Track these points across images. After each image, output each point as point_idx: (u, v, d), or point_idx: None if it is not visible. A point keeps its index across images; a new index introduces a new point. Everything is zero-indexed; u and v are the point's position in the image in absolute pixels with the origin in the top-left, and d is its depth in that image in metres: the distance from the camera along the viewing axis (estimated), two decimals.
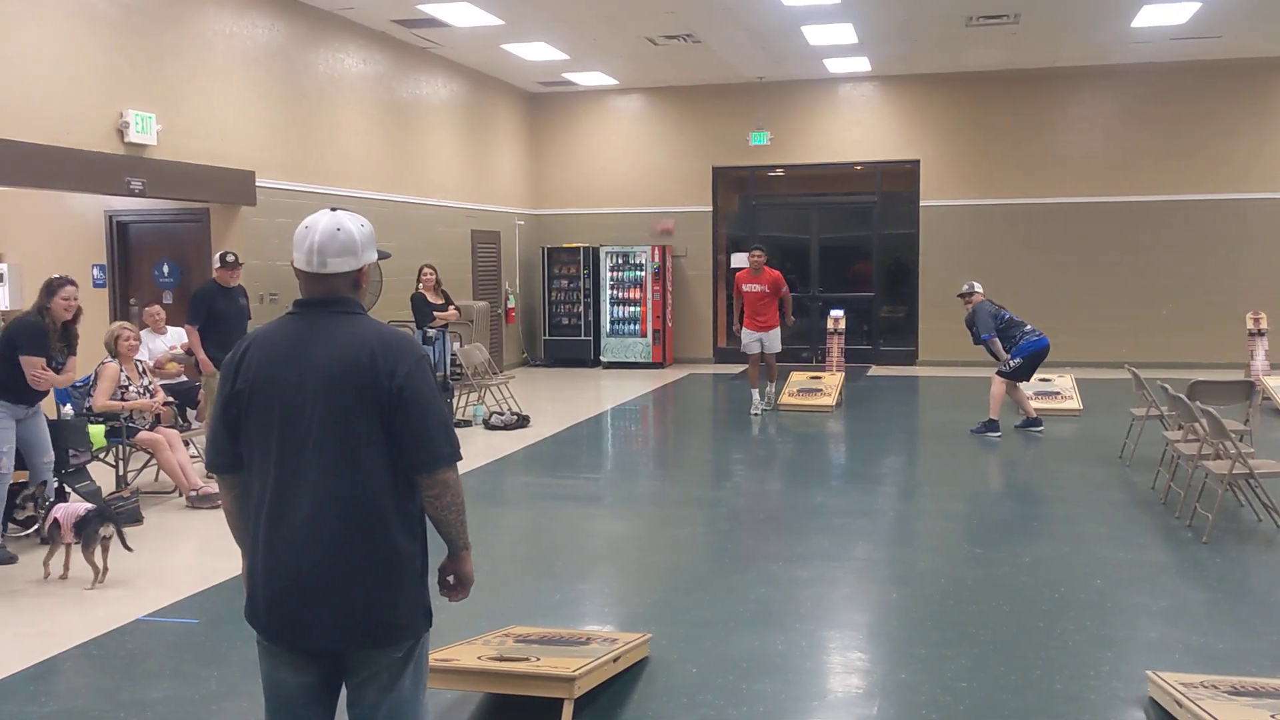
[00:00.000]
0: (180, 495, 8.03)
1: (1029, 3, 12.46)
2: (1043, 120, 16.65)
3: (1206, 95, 16.04)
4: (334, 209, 2.79)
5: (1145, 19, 13.12)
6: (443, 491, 2.71)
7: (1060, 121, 16.62)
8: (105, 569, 6.02)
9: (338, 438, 2.64)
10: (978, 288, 11.39)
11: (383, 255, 2.91)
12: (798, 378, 13.34)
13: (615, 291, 17.72)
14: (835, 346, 14.85)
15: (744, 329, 12.40)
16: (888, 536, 7.31)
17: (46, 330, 6.66)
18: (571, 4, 12.35)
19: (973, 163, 16.94)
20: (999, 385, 10.95)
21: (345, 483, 2.64)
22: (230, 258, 9.41)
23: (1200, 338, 15.99)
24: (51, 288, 6.75)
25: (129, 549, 6.14)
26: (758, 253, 12.36)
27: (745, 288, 12.33)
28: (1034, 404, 12.07)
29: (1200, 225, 16.17)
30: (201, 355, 9.20)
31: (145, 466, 8.27)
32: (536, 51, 14.75)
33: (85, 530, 5.96)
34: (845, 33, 13.83)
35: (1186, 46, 14.76)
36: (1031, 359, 10.81)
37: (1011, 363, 10.80)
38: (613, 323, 17.77)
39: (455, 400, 11.90)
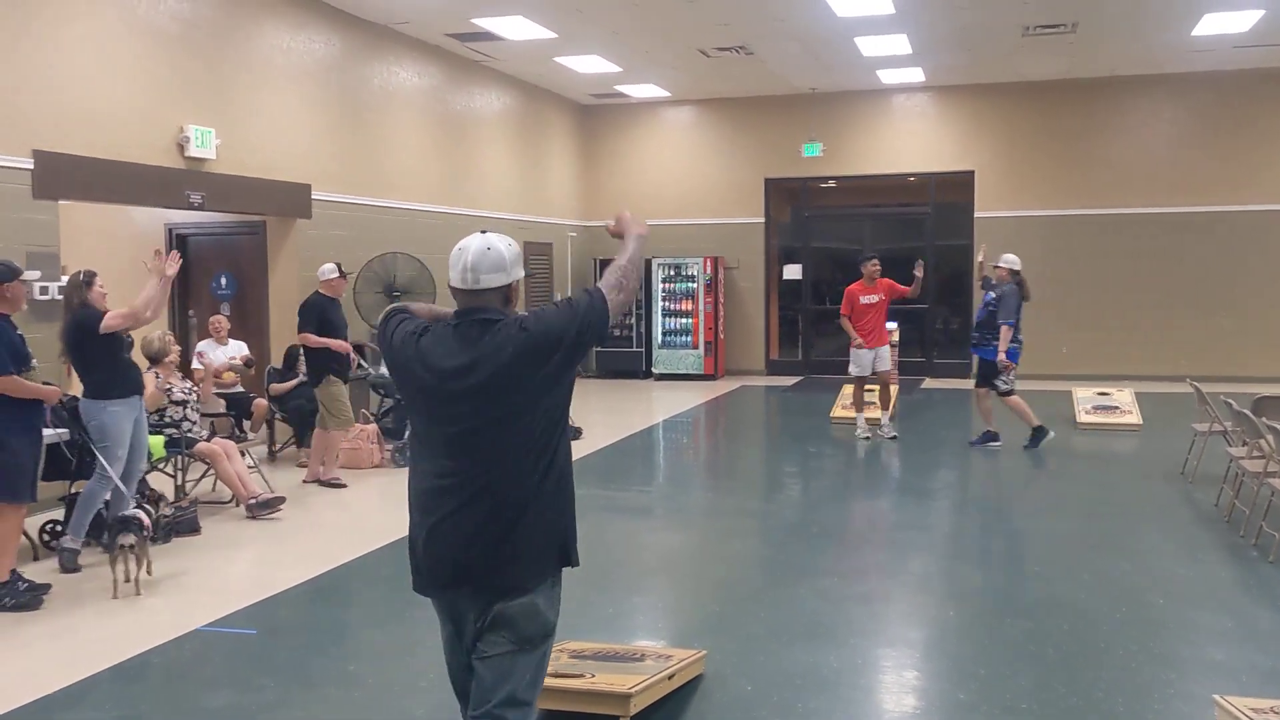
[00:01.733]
0: (238, 505, 8.12)
1: (1087, 12, 12.31)
2: (1101, 130, 16.43)
3: (1270, 103, 15.74)
4: (484, 231, 2.98)
5: (1206, 27, 12.90)
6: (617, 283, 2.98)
7: (1119, 131, 16.39)
8: (136, 578, 6.07)
9: (486, 439, 2.83)
10: (1006, 264, 10.63)
11: (526, 274, 3.04)
12: (850, 390, 13.19)
13: (667, 303, 17.71)
14: (887, 361, 14.68)
15: (855, 349, 11.34)
16: (943, 551, 7.22)
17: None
18: (624, 17, 12.38)
19: (1029, 173, 16.74)
20: (1015, 400, 10.62)
21: (495, 485, 2.85)
22: (343, 268, 9.60)
23: (1264, 350, 15.66)
24: (90, 280, 6.73)
25: (147, 560, 6.19)
26: (875, 263, 11.35)
27: (863, 299, 11.28)
28: (1092, 419, 11.90)
29: (1264, 236, 15.84)
30: (335, 343, 9.21)
31: (203, 477, 8.37)
32: (589, 64, 14.81)
33: (108, 538, 6.04)
34: (899, 44, 13.75)
35: (1249, 54, 14.49)
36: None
37: (1011, 379, 10.51)
38: (664, 334, 17.76)
39: None
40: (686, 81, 16.35)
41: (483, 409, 2.80)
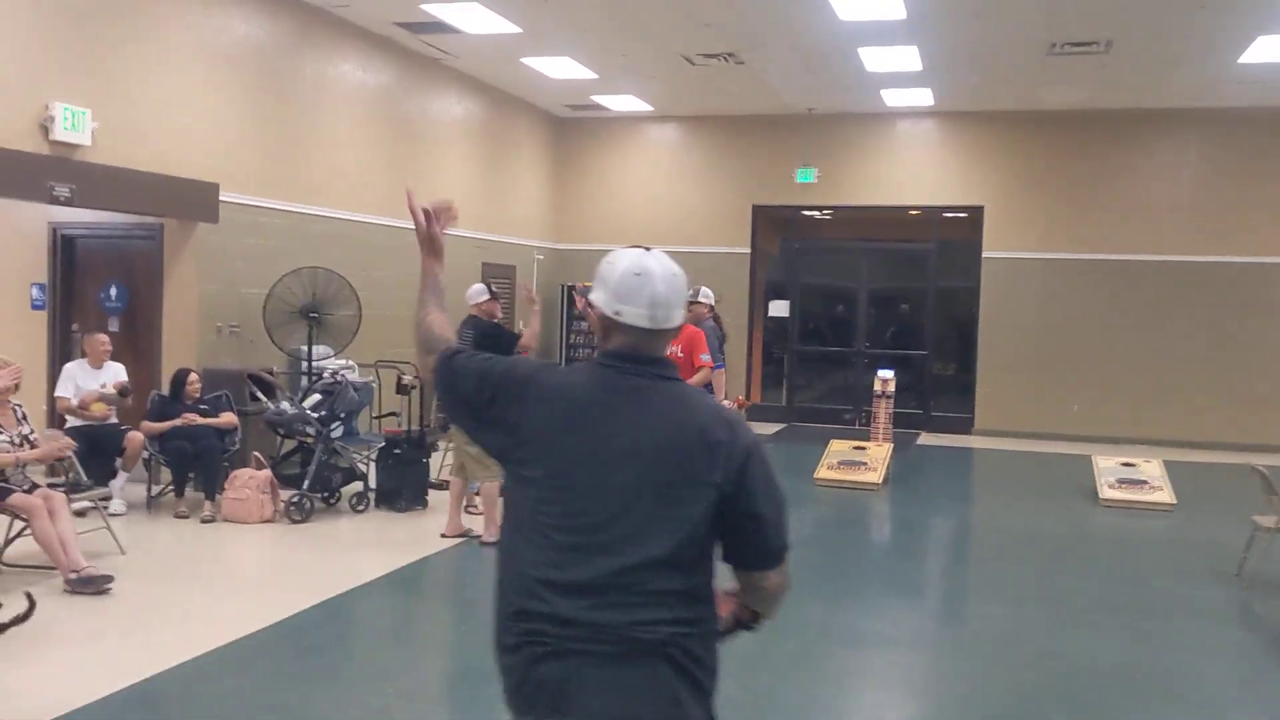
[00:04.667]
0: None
1: (1125, 30, 10.81)
2: (1126, 167, 14.89)
3: None
4: (647, 248, 2.38)
5: (1257, 54, 11.37)
6: None
7: (1146, 169, 14.86)
8: None
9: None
10: (706, 299, 8.64)
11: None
12: (839, 447, 11.57)
13: None
14: (882, 412, 13.11)
15: None
16: (918, 687, 5.55)
17: None
18: (597, 12, 10.85)
19: (1044, 212, 15.19)
20: None
21: None
22: (494, 287, 8.36)
23: None
24: None
25: None
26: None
27: None
28: (1116, 494, 10.29)
29: None
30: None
31: (19, 535, 6.67)
32: (561, 68, 13.24)
33: None
34: (908, 58, 12.20)
35: None
36: None
37: None
38: None
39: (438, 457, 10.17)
40: (670, 94, 14.81)
41: None
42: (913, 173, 15.71)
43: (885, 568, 8.25)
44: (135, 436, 8.42)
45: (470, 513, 8.96)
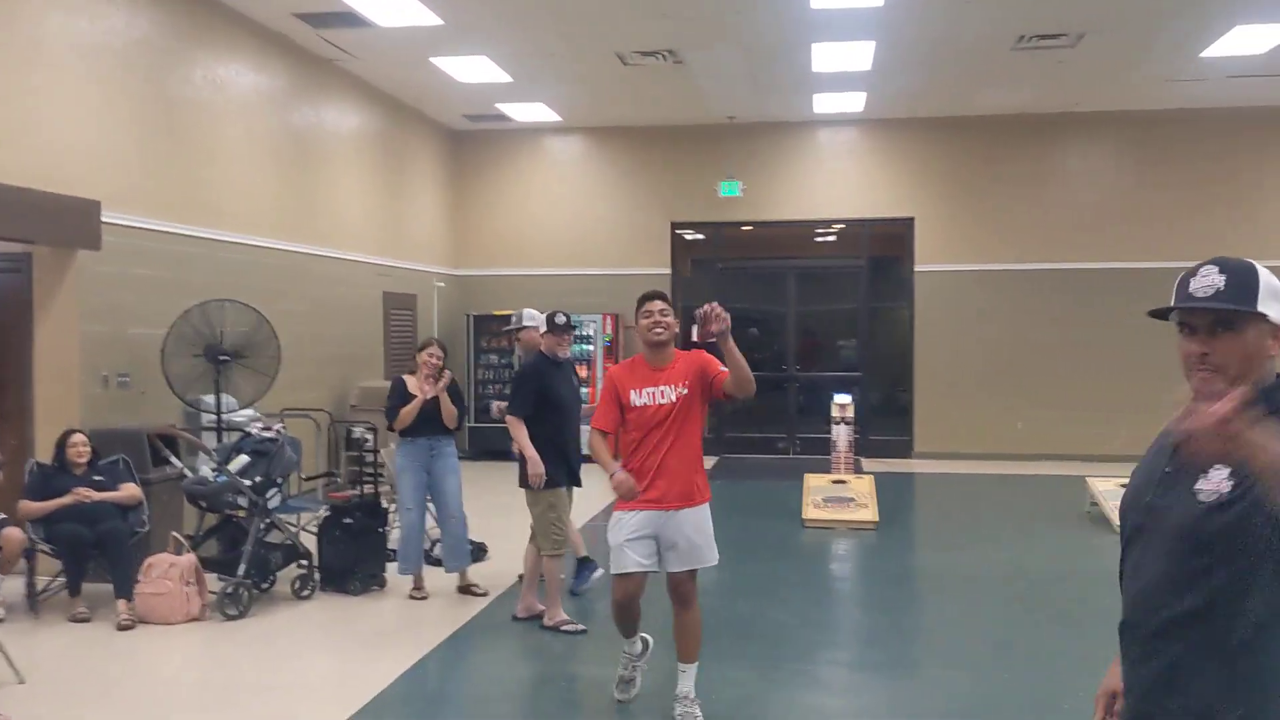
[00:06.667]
0: None
1: (1098, 20, 10.13)
2: (1058, 173, 14.37)
3: (1247, 148, 13.96)
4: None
5: (1227, 46, 10.90)
6: None
7: (1080, 175, 14.37)
8: None
9: None
10: (536, 320, 7.17)
11: None
12: (817, 482, 10.46)
13: None
14: (843, 440, 12.08)
15: (616, 513, 4.95)
16: None
17: None
18: (533, 1, 9.55)
19: (977, 222, 14.52)
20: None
21: None
22: (561, 319, 6.62)
23: None
24: None
25: None
26: (657, 304, 4.95)
27: (634, 399, 4.88)
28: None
29: None
30: (531, 453, 6.36)
31: None
32: (473, 69, 11.81)
33: None
34: (860, 55, 11.28)
35: (1240, 88, 12.64)
36: None
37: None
38: None
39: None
40: (585, 102, 13.53)
41: None
42: (840, 184, 14.83)
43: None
44: (13, 534, 6.49)
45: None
